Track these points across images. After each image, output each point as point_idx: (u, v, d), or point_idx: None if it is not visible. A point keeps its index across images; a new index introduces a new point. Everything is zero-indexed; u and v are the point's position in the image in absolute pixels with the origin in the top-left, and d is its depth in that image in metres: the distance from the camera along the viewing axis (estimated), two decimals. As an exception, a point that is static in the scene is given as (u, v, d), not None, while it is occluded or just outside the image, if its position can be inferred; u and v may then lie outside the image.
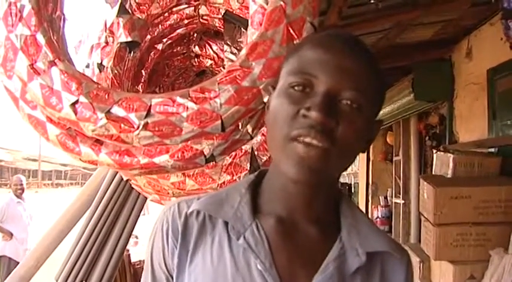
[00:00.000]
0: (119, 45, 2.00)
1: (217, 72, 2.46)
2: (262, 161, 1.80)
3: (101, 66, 2.00)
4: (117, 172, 2.30)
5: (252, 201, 0.80)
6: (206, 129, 1.35)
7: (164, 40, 2.37)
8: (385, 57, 4.21)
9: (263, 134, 1.70)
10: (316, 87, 0.72)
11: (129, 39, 1.98)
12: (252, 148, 1.80)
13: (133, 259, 3.55)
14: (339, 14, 2.99)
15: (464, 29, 3.99)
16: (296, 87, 0.73)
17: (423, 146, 5.54)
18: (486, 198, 2.99)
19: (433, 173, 3.74)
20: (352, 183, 9.47)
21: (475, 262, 2.98)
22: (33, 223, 5.92)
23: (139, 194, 2.31)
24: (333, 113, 0.70)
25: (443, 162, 3.46)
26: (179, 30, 2.34)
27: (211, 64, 2.55)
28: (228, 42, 2.23)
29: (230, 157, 1.78)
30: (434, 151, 3.94)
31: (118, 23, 2.00)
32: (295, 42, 1.37)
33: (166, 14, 2.20)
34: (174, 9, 2.18)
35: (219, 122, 1.35)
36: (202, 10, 2.20)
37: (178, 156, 1.52)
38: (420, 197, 3.46)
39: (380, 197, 7.00)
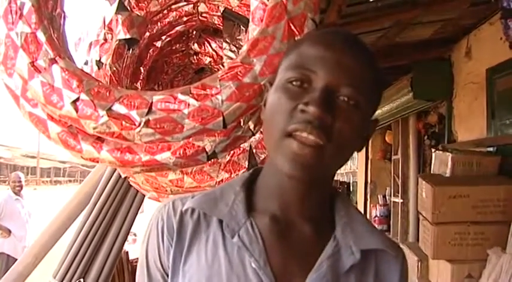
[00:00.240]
0: (117, 42, 1.99)
1: (216, 69, 2.46)
2: (261, 158, 1.80)
3: (99, 63, 1.99)
4: (115, 169, 2.30)
5: (246, 199, 0.80)
6: (208, 126, 1.35)
7: (163, 37, 2.36)
8: (384, 56, 4.21)
9: (261, 132, 1.70)
10: (315, 83, 0.72)
11: (128, 36, 1.98)
12: (251, 146, 1.80)
13: (131, 256, 3.55)
14: (339, 13, 2.98)
15: (463, 29, 4.00)
16: (294, 82, 0.73)
17: (422, 145, 5.54)
18: (484, 197, 2.99)
19: (432, 172, 3.75)
20: (351, 181, 9.49)
21: (473, 261, 2.99)
22: (31, 220, 5.91)
23: (138, 191, 2.31)
24: (330, 109, 0.70)
25: (442, 161, 3.47)
26: (178, 28, 2.34)
27: (210, 62, 2.55)
28: (227, 40, 2.22)
29: (228, 155, 1.78)
30: (433, 150, 3.95)
31: (117, 20, 1.99)
32: (296, 38, 1.37)
33: (165, 11, 2.19)
34: (173, 6, 2.18)
35: (221, 118, 1.34)
36: (202, 7, 2.20)
37: (180, 154, 1.51)
38: (419, 196, 3.47)
39: (378, 196, 7.01)
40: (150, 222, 0.82)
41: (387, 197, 6.79)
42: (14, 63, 1.45)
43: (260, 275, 0.73)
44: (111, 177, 2.44)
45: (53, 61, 1.43)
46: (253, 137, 1.66)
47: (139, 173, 1.75)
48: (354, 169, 8.90)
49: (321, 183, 0.79)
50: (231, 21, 2.13)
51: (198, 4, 2.19)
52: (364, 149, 7.02)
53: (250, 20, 1.53)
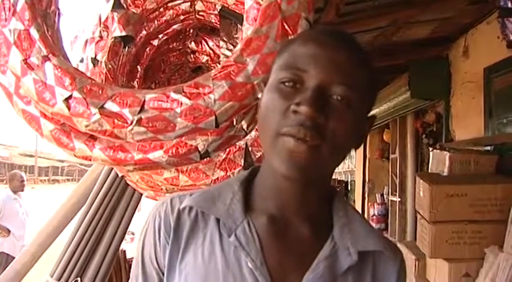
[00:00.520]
0: (113, 39, 1.99)
1: (213, 68, 2.45)
2: (256, 156, 1.80)
3: (95, 60, 1.99)
4: (112, 168, 2.30)
5: (244, 199, 0.79)
6: (200, 125, 1.35)
7: (160, 36, 2.36)
8: (381, 55, 4.21)
9: (257, 130, 1.70)
10: (307, 83, 0.72)
11: (124, 33, 1.97)
12: (246, 144, 1.80)
13: (129, 255, 3.54)
14: (337, 11, 2.97)
15: (461, 28, 3.99)
16: (287, 83, 0.73)
17: (420, 144, 5.54)
18: (482, 196, 2.99)
19: (430, 170, 3.75)
20: (349, 180, 9.48)
21: (470, 260, 2.99)
22: (29, 219, 5.89)
23: (135, 190, 2.30)
24: (323, 108, 0.70)
25: (439, 160, 3.47)
26: (175, 26, 2.33)
27: (207, 60, 2.54)
28: (224, 38, 2.22)
29: (224, 153, 1.78)
30: (431, 149, 3.94)
31: (113, 17, 1.99)
32: (290, 37, 1.36)
33: (161, 9, 2.19)
34: (170, 4, 2.17)
35: (213, 117, 1.34)
36: (199, 6, 2.19)
37: (172, 152, 1.51)
38: (416, 195, 3.47)
39: (376, 195, 7.01)
40: (147, 219, 0.82)
41: (385, 196, 6.79)
42: (7, 60, 1.45)
43: (256, 275, 0.73)
44: (108, 176, 2.44)
45: (46, 58, 1.43)
46: (249, 135, 1.66)
47: (133, 172, 1.75)
48: (351, 168, 8.89)
49: (318, 182, 0.79)
50: (228, 19, 2.13)
51: (195, 2, 2.19)
52: (362, 148, 7.05)
53: (244, 19, 1.52)
